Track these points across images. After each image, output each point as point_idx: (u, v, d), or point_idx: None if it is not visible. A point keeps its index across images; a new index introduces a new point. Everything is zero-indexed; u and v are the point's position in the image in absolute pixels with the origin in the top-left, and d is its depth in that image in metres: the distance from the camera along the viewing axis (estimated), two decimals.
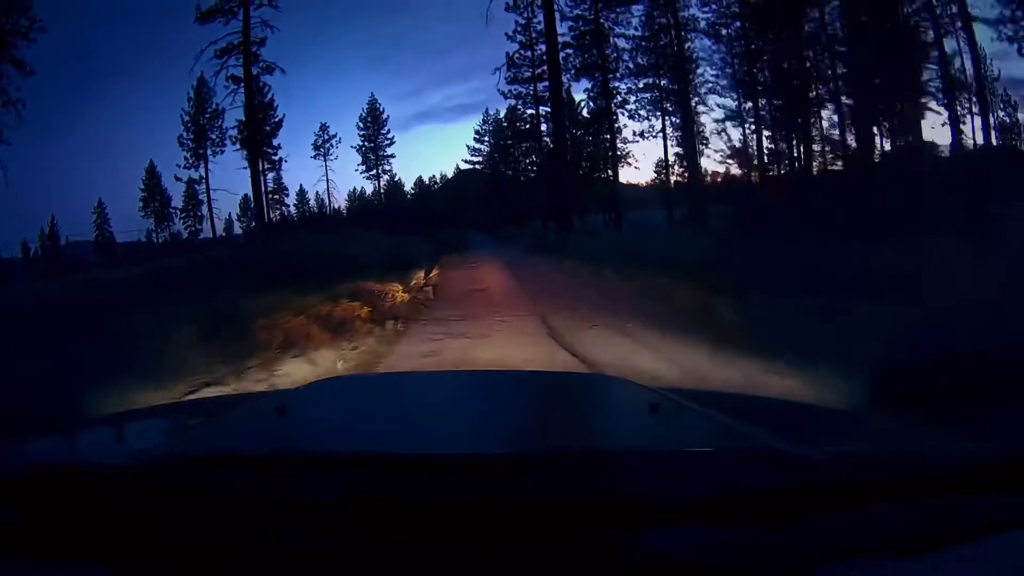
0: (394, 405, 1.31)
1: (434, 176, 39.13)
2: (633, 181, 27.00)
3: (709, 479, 0.69)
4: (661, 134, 23.36)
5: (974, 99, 16.17)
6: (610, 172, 24.82)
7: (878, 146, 18.31)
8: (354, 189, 37.65)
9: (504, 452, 0.81)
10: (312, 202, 32.07)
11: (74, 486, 0.71)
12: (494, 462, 0.74)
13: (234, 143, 23.91)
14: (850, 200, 13.72)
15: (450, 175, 38.05)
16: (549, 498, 0.66)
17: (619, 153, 24.23)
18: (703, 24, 21.62)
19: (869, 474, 0.72)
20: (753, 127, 21.71)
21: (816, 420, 1.30)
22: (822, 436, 1.13)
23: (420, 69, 66.72)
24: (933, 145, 17.39)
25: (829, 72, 18.51)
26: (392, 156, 30.82)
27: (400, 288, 9.26)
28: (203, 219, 27.66)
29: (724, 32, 21.40)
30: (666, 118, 23.12)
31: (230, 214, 34.58)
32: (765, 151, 21.76)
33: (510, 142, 30.44)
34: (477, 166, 33.37)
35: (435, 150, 71.11)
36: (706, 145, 22.77)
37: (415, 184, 37.55)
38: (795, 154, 20.22)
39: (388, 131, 30.78)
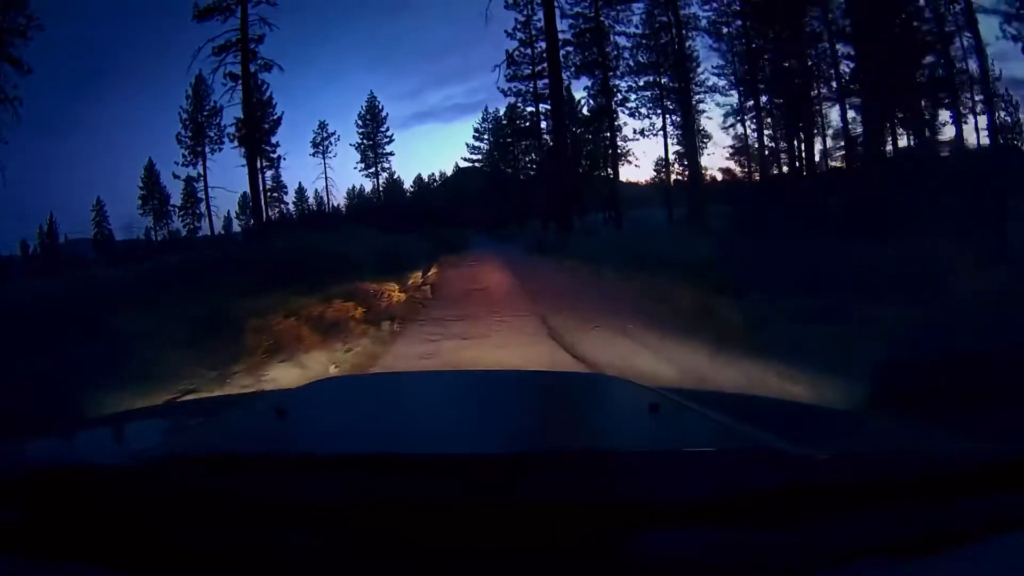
0: (394, 405, 1.31)
1: (433, 174, 38.83)
2: (633, 180, 27.03)
3: (709, 479, 0.69)
4: (661, 132, 23.41)
5: (979, 98, 16.20)
6: (610, 171, 24.85)
7: (886, 144, 18.27)
8: (353, 187, 37.38)
9: (504, 452, 0.81)
10: (311, 200, 31.98)
11: (74, 486, 0.70)
12: (494, 462, 0.73)
13: (232, 141, 23.79)
14: (855, 199, 13.64)
15: (449, 173, 38.06)
16: (549, 498, 0.66)
17: (619, 151, 24.27)
18: (704, 22, 21.68)
19: (869, 474, 0.72)
20: (754, 126, 21.77)
21: (816, 420, 1.30)
22: (822, 436, 1.13)
23: (419, 69, 66.96)
24: (938, 143, 17.37)
25: (831, 71, 18.53)
26: (391, 154, 30.77)
27: (397, 287, 9.24)
28: (202, 217, 27.48)
29: (725, 30, 21.44)
30: (667, 116, 23.16)
31: (229, 212, 34.56)
32: (766, 150, 21.82)
33: (510, 140, 30.35)
34: (476, 164, 33.35)
35: (434, 150, 71.31)
36: (707, 144, 22.82)
37: (414, 182, 37.41)
38: (796, 153, 20.26)
39: (387, 128, 30.76)
